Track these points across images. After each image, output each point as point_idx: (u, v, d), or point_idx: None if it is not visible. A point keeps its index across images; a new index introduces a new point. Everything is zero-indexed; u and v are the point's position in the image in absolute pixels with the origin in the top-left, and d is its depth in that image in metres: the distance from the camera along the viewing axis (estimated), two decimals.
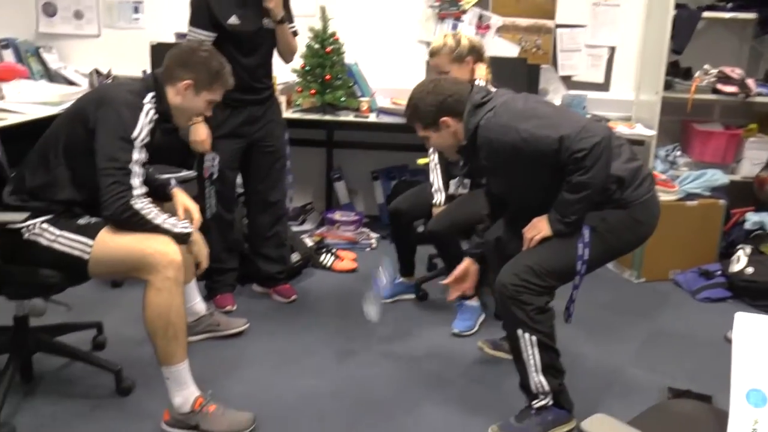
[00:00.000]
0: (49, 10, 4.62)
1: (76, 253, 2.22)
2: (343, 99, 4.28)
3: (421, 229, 3.33)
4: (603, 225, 2.28)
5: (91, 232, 2.23)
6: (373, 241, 4.29)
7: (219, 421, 2.27)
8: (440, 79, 2.50)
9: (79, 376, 2.63)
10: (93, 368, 2.57)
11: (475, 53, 3.08)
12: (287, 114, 4.23)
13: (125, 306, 3.22)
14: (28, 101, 3.79)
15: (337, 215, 4.38)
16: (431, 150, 3.32)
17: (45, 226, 2.23)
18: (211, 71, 2.39)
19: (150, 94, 2.31)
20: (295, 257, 3.67)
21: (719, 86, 4.10)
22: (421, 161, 3.59)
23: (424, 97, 2.36)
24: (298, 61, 4.24)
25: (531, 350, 2.28)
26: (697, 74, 4.15)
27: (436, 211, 3.22)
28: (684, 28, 4.08)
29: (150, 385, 2.49)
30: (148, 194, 2.28)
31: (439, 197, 3.24)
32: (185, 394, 2.26)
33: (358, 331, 3.08)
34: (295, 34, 3.27)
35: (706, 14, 4.17)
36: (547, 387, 2.30)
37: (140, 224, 2.21)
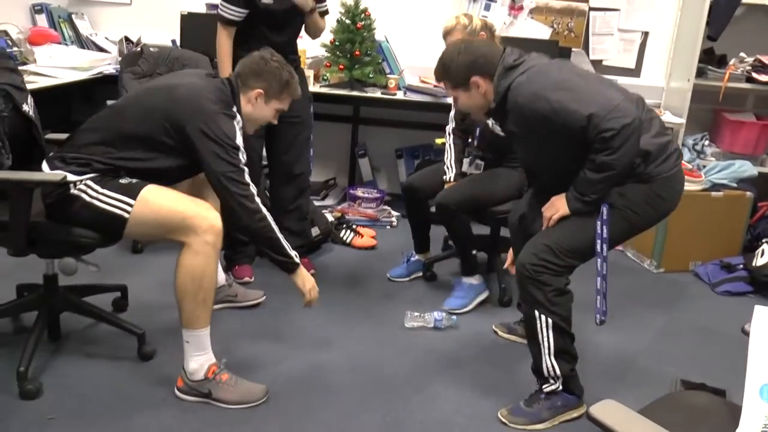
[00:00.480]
0: None
1: (117, 211, 2.23)
2: (371, 75, 4.27)
3: (433, 209, 3.33)
4: (621, 201, 2.25)
5: (133, 191, 2.26)
6: (393, 219, 4.30)
7: (231, 391, 2.30)
8: (473, 40, 2.48)
9: (102, 337, 2.68)
10: (117, 331, 2.61)
11: (488, 30, 3.07)
12: (315, 88, 4.23)
13: (145, 272, 3.27)
14: (59, 66, 3.84)
15: (360, 192, 4.39)
16: (449, 127, 3.31)
17: (89, 183, 2.25)
18: (281, 81, 2.48)
19: (233, 105, 2.42)
20: (315, 232, 3.68)
21: (754, 75, 4.03)
22: (439, 141, 3.59)
23: (455, 57, 2.33)
24: (327, 36, 4.23)
25: (546, 333, 2.27)
26: (732, 62, 4.08)
27: (446, 187, 3.22)
28: (721, 13, 3.99)
29: (168, 352, 2.53)
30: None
31: (450, 174, 3.24)
32: (201, 360, 2.29)
33: (373, 308, 3.10)
34: (324, 13, 3.27)
35: (745, 0, 4.08)
36: (558, 371, 2.30)
37: (267, 232, 2.35)
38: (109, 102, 2.44)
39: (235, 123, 2.35)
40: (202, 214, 2.23)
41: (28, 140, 2.46)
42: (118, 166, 2.30)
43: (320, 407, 2.35)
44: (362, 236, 3.92)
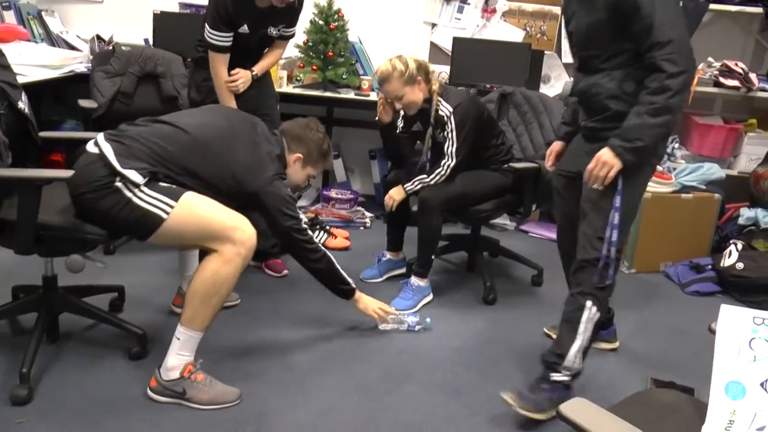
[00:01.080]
0: None
1: (156, 211, 2.20)
2: (344, 76, 4.28)
3: (415, 208, 3.34)
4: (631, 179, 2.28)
5: (174, 194, 2.23)
6: (367, 220, 4.30)
7: (205, 391, 2.29)
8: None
9: (101, 338, 2.66)
10: (115, 331, 2.60)
11: (423, 72, 3.10)
12: (288, 89, 4.23)
13: (140, 272, 3.23)
14: (29, 63, 3.78)
15: (333, 193, 4.39)
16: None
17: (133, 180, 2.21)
18: (321, 151, 2.67)
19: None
20: None
21: (721, 80, 4.10)
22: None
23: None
24: (301, 37, 4.23)
25: (588, 325, 2.31)
26: (699, 66, 4.14)
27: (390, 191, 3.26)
28: (690, 19, 4.06)
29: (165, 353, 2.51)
30: None
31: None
32: (183, 359, 2.28)
33: (346, 309, 3.10)
34: (289, 37, 3.40)
35: (713, 6, 4.16)
36: (578, 364, 2.34)
37: (328, 266, 2.63)
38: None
39: (285, 182, 2.53)
40: (242, 227, 2.24)
41: (24, 137, 2.42)
42: (166, 175, 2.28)
43: (293, 408, 2.34)
44: (336, 237, 3.92)
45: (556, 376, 2.34)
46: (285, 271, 3.42)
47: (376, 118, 3.31)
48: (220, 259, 2.21)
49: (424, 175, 3.14)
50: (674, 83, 2.07)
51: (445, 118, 3.07)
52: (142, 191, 2.21)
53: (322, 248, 2.59)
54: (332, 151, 2.73)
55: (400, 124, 3.34)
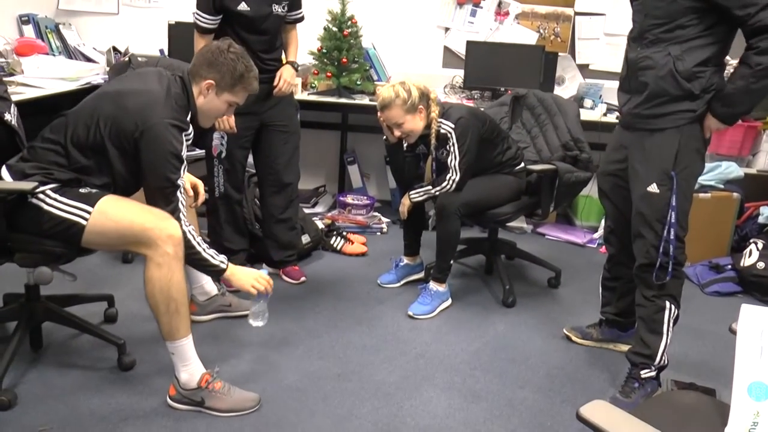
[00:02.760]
0: None
1: (74, 218, 2.22)
2: (359, 82, 4.29)
3: (432, 212, 3.35)
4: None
5: (91, 200, 2.24)
6: (383, 225, 4.30)
7: (224, 399, 2.30)
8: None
9: (87, 348, 2.68)
10: (101, 341, 2.60)
11: (425, 100, 3.08)
12: (303, 96, 4.24)
13: (137, 281, 3.25)
14: (47, 76, 3.83)
15: (349, 199, 4.39)
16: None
17: (49, 192, 2.23)
18: (235, 74, 2.38)
19: (189, 114, 2.37)
20: (305, 239, 3.69)
21: None
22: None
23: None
24: (315, 44, 4.25)
25: (670, 324, 2.43)
26: None
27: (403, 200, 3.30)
28: None
29: (157, 362, 2.53)
30: None
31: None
32: (190, 369, 2.29)
33: (364, 314, 3.10)
34: (299, 20, 3.30)
35: None
36: (666, 360, 2.46)
37: (186, 250, 2.26)
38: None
39: (183, 136, 2.28)
40: (160, 225, 2.21)
41: (11, 150, 2.43)
42: (77, 177, 2.28)
43: (312, 414, 2.34)
44: (353, 243, 3.92)
45: (647, 373, 2.46)
46: (302, 278, 3.43)
47: (384, 138, 3.31)
48: (152, 264, 2.20)
49: (429, 186, 3.18)
50: None
51: (448, 135, 3.07)
52: (59, 201, 2.22)
53: (186, 229, 2.27)
54: (253, 71, 2.41)
55: (405, 144, 3.34)
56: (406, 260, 3.52)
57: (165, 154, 2.22)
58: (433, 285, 3.20)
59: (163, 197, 2.26)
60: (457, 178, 3.07)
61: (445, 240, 3.15)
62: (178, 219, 2.26)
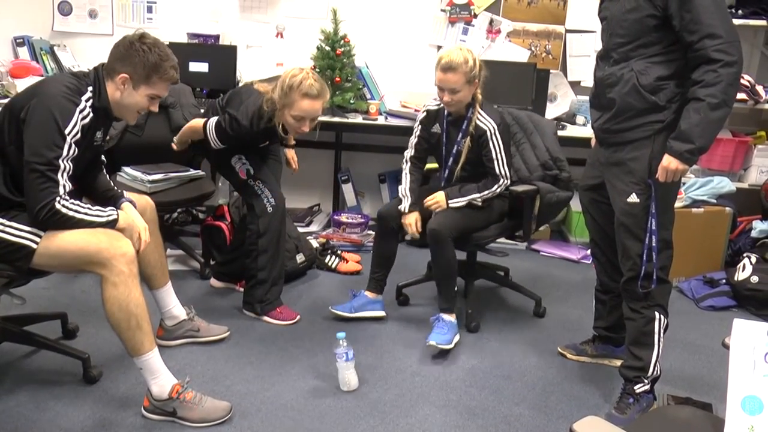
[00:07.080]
0: (64, 9, 4.66)
1: (23, 242, 2.22)
2: (352, 101, 4.31)
3: (408, 237, 3.22)
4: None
5: None
6: None
7: (195, 409, 2.31)
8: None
9: (48, 365, 2.67)
10: (62, 357, 2.61)
11: (482, 76, 3.03)
12: None
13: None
14: None
15: (344, 217, 4.40)
16: (407, 154, 3.27)
17: None
18: (147, 65, 2.28)
19: (89, 90, 2.29)
20: (300, 258, 3.69)
21: None
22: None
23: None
24: (308, 63, 4.28)
25: (660, 334, 2.42)
26: None
27: (404, 218, 3.12)
28: None
29: (122, 374, 2.56)
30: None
31: (405, 203, 3.14)
32: (160, 381, 2.30)
33: (360, 333, 3.10)
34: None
35: None
36: (658, 371, 2.45)
37: (62, 222, 2.20)
38: None
39: (76, 111, 2.20)
40: (114, 244, 2.22)
41: None
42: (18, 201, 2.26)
43: None
44: (347, 261, 3.92)
45: (641, 387, 2.45)
46: (296, 317, 3.21)
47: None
48: (108, 284, 2.21)
49: (476, 192, 3.03)
50: (728, 73, 2.09)
51: (488, 134, 2.99)
52: (6, 225, 2.22)
53: (60, 207, 2.19)
54: (168, 60, 2.31)
55: (413, 140, 3.25)
56: (367, 294, 3.26)
57: (43, 127, 2.15)
58: (445, 316, 2.99)
59: (35, 173, 2.14)
60: (509, 183, 3.01)
61: (444, 266, 2.99)
62: (51, 204, 2.15)
